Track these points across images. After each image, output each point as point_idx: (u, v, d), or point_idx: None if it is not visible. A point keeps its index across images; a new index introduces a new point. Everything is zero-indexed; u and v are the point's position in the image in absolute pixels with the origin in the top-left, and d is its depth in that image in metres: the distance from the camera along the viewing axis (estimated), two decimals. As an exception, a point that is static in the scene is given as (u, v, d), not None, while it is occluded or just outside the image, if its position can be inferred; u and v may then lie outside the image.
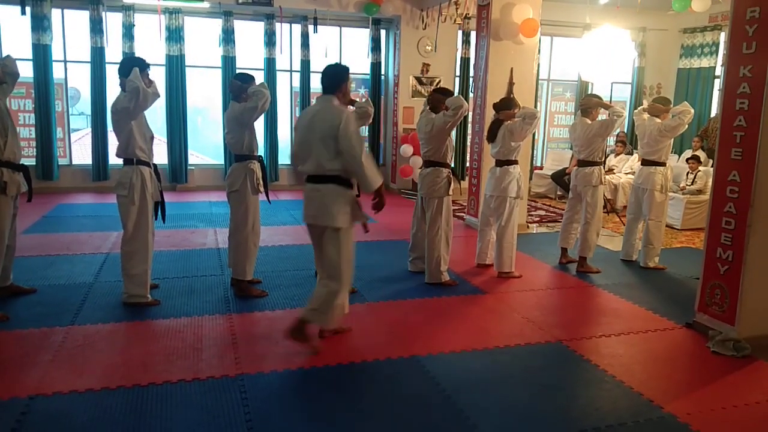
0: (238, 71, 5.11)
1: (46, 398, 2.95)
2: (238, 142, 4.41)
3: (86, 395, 2.99)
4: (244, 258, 4.50)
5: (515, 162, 5.23)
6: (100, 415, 2.83)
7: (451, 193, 4.96)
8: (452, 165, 5.06)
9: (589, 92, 5.51)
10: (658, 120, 5.61)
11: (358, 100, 4.36)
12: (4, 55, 4.19)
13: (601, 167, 5.48)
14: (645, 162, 5.70)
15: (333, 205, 3.43)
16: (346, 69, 3.65)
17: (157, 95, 4.13)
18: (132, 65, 4.01)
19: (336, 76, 3.55)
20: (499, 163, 5.27)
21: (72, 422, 2.77)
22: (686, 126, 5.51)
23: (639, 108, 5.91)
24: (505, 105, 5.27)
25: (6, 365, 3.29)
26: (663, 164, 5.64)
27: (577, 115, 5.69)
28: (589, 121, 5.46)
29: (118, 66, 4.14)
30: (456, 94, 5.04)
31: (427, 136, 4.92)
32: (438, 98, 4.94)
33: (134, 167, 4.10)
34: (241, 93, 4.36)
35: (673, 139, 5.65)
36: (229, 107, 4.47)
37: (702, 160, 8.69)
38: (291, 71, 10.13)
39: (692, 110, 5.47)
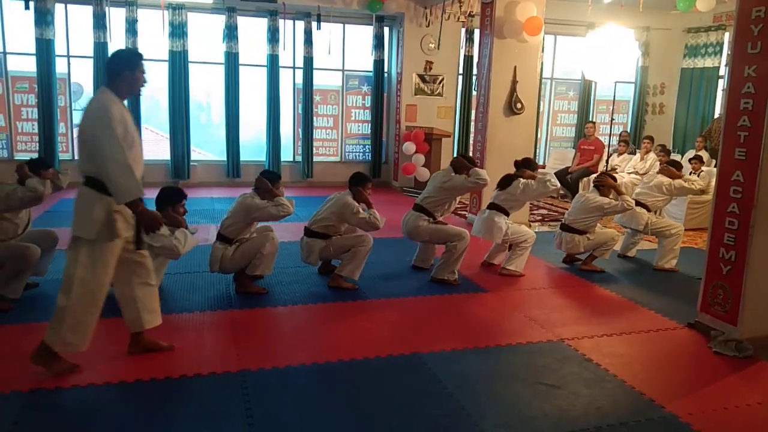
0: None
1: (47, 392, 2.95)
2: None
3: (88, 390, 2.99)
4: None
5: (507, 213, 5.21)
6: (102, 409, 2.84)
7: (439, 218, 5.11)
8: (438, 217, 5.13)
9: (606, 173, 5.92)
10: (667, 179, 5.70)
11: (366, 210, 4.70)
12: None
13: (585, 236, 5.38)
14: (636, 202, 5.67)
15: (82, 212, 2.98)
16: (129, 56, 3.15)
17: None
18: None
19: (113, 65, 3.07)
20: (492, 206, 5.26)
21: (73, 416, 2.78)
22: (691, 193, 5.98)
23: (657, 172, 6.13)
24: (527, 165, 5.33)
25: (8, 359, 3.30)
26: (650, 211, 5.72)
27: (591, 188, 5.67)
28: (599, 197, 5.39)
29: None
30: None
31: (439, 187, 5.03)
32: (463, 163, 5.05)
33: None
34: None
35: (669, 198, 5.87)
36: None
37: (705, 160, 8.67)
38: (294, 68, 10.12)
39: (703, 186, 5.87)
